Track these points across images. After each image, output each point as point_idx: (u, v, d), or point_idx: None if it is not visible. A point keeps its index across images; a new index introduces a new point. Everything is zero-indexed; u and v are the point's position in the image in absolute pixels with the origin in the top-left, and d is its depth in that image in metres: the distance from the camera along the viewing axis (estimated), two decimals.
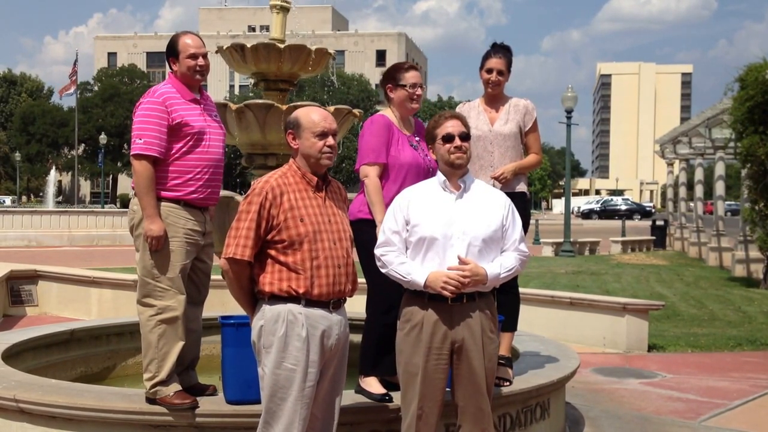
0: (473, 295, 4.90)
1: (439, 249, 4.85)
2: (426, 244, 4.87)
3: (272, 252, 4.71)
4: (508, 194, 6.42)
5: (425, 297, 4.87)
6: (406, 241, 4.95)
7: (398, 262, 4.90)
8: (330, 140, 4.85)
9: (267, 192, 4.70)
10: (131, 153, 5.63)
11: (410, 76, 6.07)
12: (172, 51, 5.85)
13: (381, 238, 5.02)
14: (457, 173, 5.02)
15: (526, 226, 6.71)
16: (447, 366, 4.92)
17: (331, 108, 7.52)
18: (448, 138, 5.00)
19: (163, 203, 5.61)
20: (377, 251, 5.01)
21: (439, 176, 5.07)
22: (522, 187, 6.64)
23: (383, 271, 5.00)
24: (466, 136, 5.05)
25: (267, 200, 4.68)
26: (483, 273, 4.82)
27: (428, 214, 4.91)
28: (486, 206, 5.01)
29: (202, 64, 5.83)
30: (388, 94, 6.17)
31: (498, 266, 4.92)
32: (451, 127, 5.03)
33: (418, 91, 6.10)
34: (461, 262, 4.80)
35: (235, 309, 5.32)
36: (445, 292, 4.76)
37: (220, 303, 9.19)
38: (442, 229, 4.86)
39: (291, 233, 4.67)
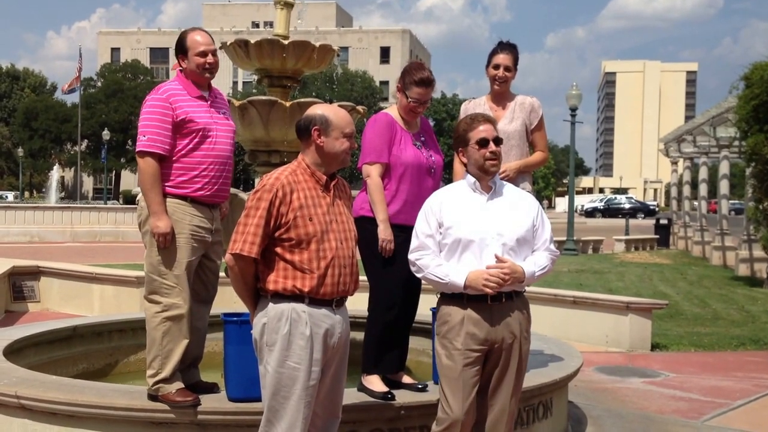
0: (511, 295, 4.94)
1: (475, 250, 4.86)
2: (461, 246, 4.89)
3: (278, 250, 4.68)
4: None
5: (464, 298, 4.89)
6: (439, 243, 4.95)
7: (435, 264, 4.91)
8: (354, 143, 4.86)
9: (277, 189, 4.66)
10: (136, 150, 5.62)
11: (417, 92, 6.01)
12: (181, 48, 5.80)
13: (414, 242, 5.02)
14: (488, 176, 5.02)
15: None
16: (482, 367, 4.95)
17: (335, 104, 7.50)
18: (483, 143, 5.00)
19: (168, 199, 5.59)
20: (411, 256, 5.02)
21: (469, 178, 5.07)
22: (526, 186, 6.61)
23: (419, 275, 5.03)
24: (499, 141, 5.06)
25: (277, 198, 4.64)
26: (521, 271, 4.85)
27: (462, 215, 4.93)
28: (517, 207, 5.04)
29: (211, 61, 5.80)
30: (397, 91, 6.15)
31: (533, 264, 4.95)
32: (485, 131, 5.03)
33: (420, 108, 6.06)
34: (499, 260, 4.80)
35: (243, 307, 5.30)
36: (487, 290, 4.77)
37: (231, 301, 9.17)
38: (477, 230, 4.87)
39: (299, 232, 4.65)
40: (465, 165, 5.13)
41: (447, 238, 4.92)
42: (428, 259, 4.94)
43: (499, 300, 4.88)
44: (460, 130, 5.15)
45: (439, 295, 5.09)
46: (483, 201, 4.99)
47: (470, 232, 4.87)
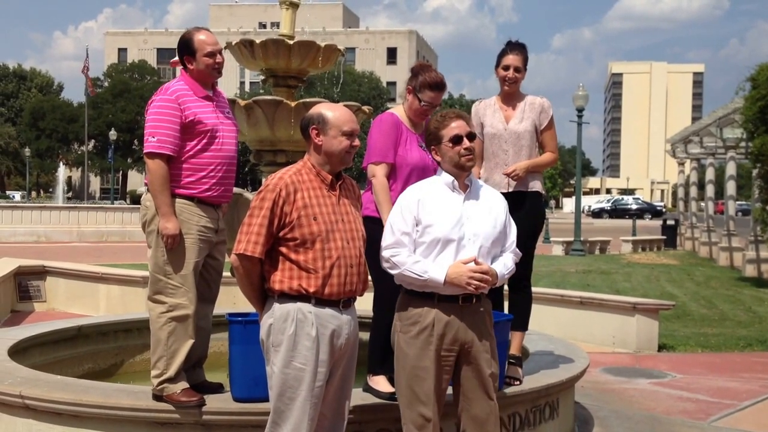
0: (479, 296, 4.88)
1: (452, 250, 4.79)
2: (440, 246, 4.80)
3: (283, 249, 4.66)
4: (522, 193, 6.39)
5: (435, 298, 4.81)
6: (415, 241, 4.88)
7: (412, 261, 4.80)
8: (356, 141, 4.83)
9: (281, 189, 4.65)
10: (144, 151, 5.58)
11: (430, 95, 5.94)
12: (188, 49, 5.77)
13: (390, 239, 4.90)
14: (465, 173, 4.97)
15: (540, 226, 6.68)
16: (453, 367, 4.87)
17: (341, 104, 7.48)
18: (457, 140, 4.92)
19: (176, 200, 5.57)
20: (386, 253, 4.90)
21: (446, 176, 4.98)
22: (536, 186, 6.56)
23: (393, 272, 4.89)
24: (473, 136, 4.99)
25: (280, 197, 4.63)
26: (496, 273, 4.82)
27: (441, 214, 4.84)
28: (491, 207, 4.99)
29: (220, 61, 5.79)
30: (407, 92, 6.10)
31: (503, 266, 4.94)
32: (457, 128, 4.94)
33: (430, 111, 6.03)
34: (477, 264, 4.76)
35: (246, 306, 5.28)
36: (470, 288, 4.70)
37: (231, 301, 9.18)
38: (456, 230, 4.80)
39: (304, 231, 4.63)
40: (439, 163, 5.07)
41: (425, 236, 4.83)
42: (404, 255, 4.82)
43: (470, 301, 4.84)
44: (431, 128, 5.06)
45: (402, 293, 4.99)
46: (460, 200, 4.92)
47: (450, 232, 4.79)
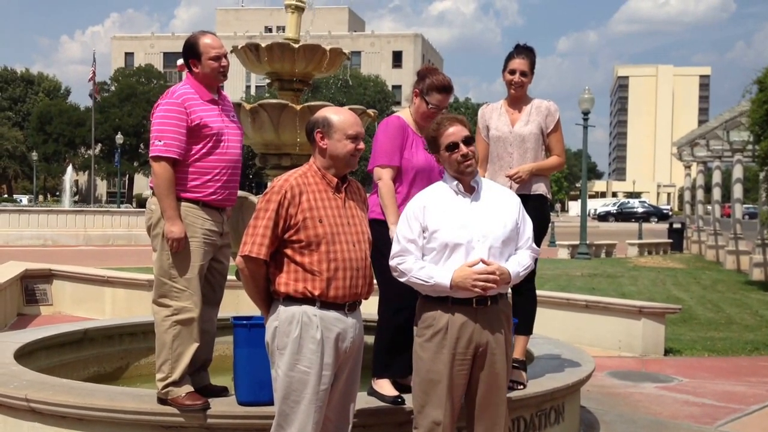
0: (496, 298, 4.86)
1: (462, 254, 4.78)
2: (449, 250, 4.79)
3: (289, 251, 4.66)
4: (525, 196, 6.37)
5: (448, 301, 4.81)
6: (423, 248, 4.87)
7: (418, 267, 4.81)
8: (361, 144, 4.82)
9: (286, 191, 4.65)
10: (150, 155, 5.60)
11: (437, 98, 5.97)
12: (193, 53, 5.77)
13: (396, 247, 4.92)
14: (468, 177, 4.96)
15: (544, 230, 6.65)
16: (468, 372, 4.86)
17: (346, 108, 7.47)
18: (453, 147, 4.91)
19: (181, 203, 5.58)
20: (393, 262, 4.92)
21: (450, 180, 4.98)
22: (540, 189, 6.55)
23: (402, 280, 4.90)
24: (469, 140, 4.95)
25: (286, 199, 4.63)
26: (507, 273, 4.79)
27: (447, 219, 4.84)
28: (500, 206, 4.96)
29: (225, 64, 5.80)
30: (414, 95, 6.10)
31: (517, 264, 4.89)
32: (452, 134, 4.92)
33: (436, 115, 6.02)
34: (485, 264, 4.74)
35: (249, 309, 5.28)
36: (476, 290, 4.69)
37: (234, 303, 9.18)
38: (463, 234, 4.79)
39: (309, 234, 4.63)
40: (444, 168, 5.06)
41: (433, 242, 4.83)
42: (410, 262, 4.83)
43: (485, 303, 4.81)
44: (429, 135, 5.07)
45: (419, 297, 4.99)
46: (467, 203, 4.91)
47: (457, 236, 4.78)
